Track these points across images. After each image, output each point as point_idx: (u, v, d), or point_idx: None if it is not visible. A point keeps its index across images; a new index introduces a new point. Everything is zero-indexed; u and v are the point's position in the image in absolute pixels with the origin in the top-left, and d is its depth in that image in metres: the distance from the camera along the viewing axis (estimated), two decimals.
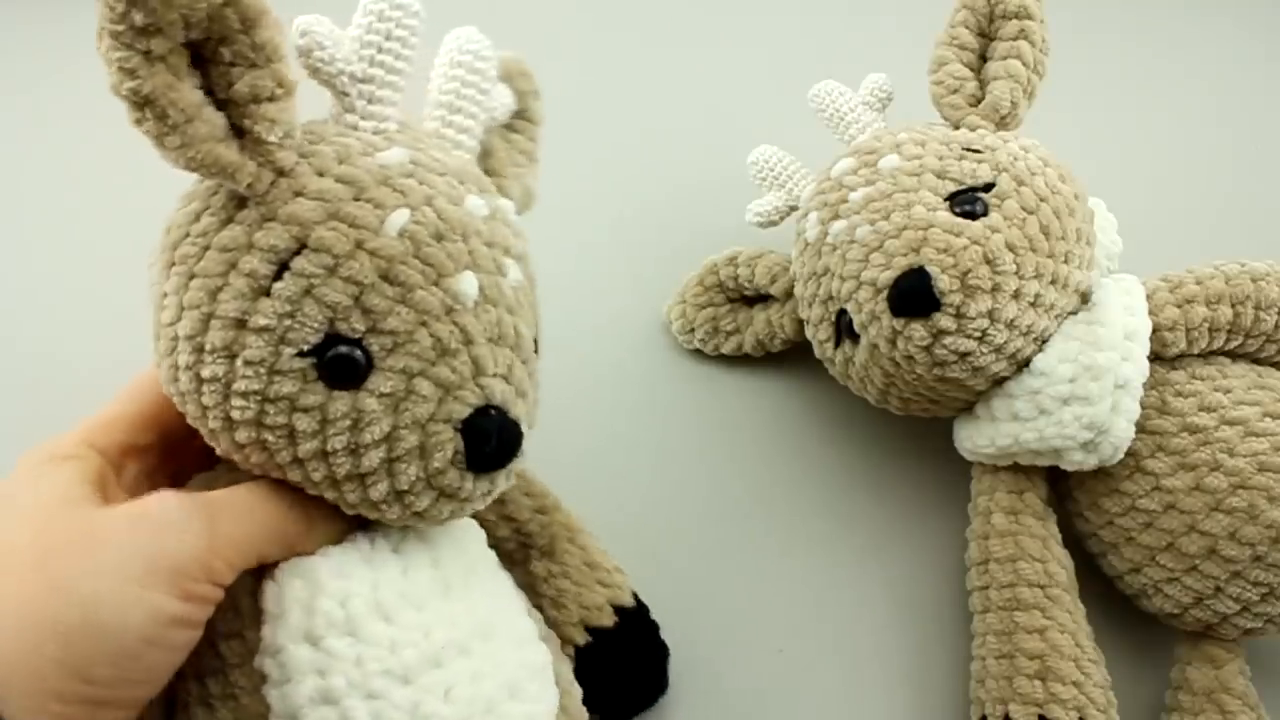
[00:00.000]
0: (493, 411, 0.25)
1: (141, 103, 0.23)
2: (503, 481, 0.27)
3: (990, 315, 0.33)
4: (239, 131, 0.24)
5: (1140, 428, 0.34)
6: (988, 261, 0.33)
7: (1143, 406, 0.34)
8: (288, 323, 0.24)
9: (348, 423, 0.24)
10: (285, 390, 0.24)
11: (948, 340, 0.34)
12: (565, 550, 0.35)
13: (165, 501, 0.24)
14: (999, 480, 0.38)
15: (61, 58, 0.54)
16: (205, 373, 0.25)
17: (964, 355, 0.34)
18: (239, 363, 0.24)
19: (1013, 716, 0.34)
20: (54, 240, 0.48)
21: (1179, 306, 0.36)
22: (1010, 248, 0.33)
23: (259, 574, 0.26)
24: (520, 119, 0.33)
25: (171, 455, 0.29)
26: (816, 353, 0.41)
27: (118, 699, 0.23)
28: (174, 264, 0.25)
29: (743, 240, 0.46)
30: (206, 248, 0.25)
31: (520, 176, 0.32)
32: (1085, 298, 0.36)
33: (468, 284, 0.25)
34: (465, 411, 0.25)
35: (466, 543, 0.29)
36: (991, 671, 0.35)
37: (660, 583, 0.36)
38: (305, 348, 0.24)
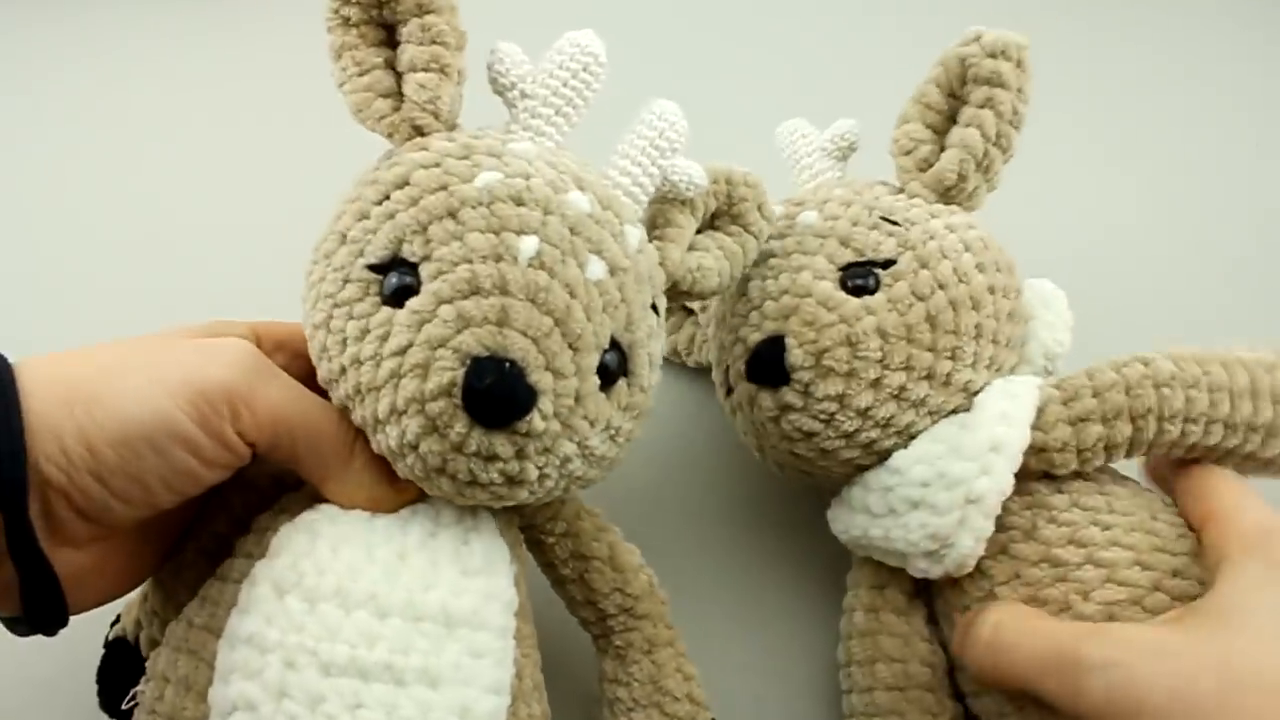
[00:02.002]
0: (508, 365, 0.25)
1: (334, 53, 0.29)
2: (505, 449, 0.26)
3: (840, 400, 0.32)
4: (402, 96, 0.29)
5: (1002, 548, 0.31)
6: (850, 344, 0.31)
7: (1011, 528, 0.31)
8: (369, 238, 0.27)
9: (381, 332, 0.26)
10: (349, 295, 0.27)
11: (792, 417, 0.33)
12: (636, 661, 0.33)
13: (241, 344, 0.27)
14: (863, 574, 0.36)
15: (62, 58, 0.54)
16: (314, 275, 0.28)
17: (809, 435, 0.33)
18: (329, 268, 0.28)
19: None
20: (53, 240, 0.49)
21: (1071, 425, 0.32)
22: (881, 333, 0.31)
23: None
24: (734, 221, 0.34)
25: None
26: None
27: (120, 490, 0.24)
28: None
29: None
30: (357, 183, 0.29)
31: (694, 254, 0.33)
32: (975, 396, 0.33)
33: (526, 243, 0.26)
34: (476, 349, 0.25)
35: (492, 588, 0.28)
36: None
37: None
38: (374, 261, 0.27)
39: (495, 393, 0.25)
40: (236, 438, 0.26)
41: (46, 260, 0.48)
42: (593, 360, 0.27)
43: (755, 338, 0.33)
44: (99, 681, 0.33)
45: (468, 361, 0.25)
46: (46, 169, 0.51)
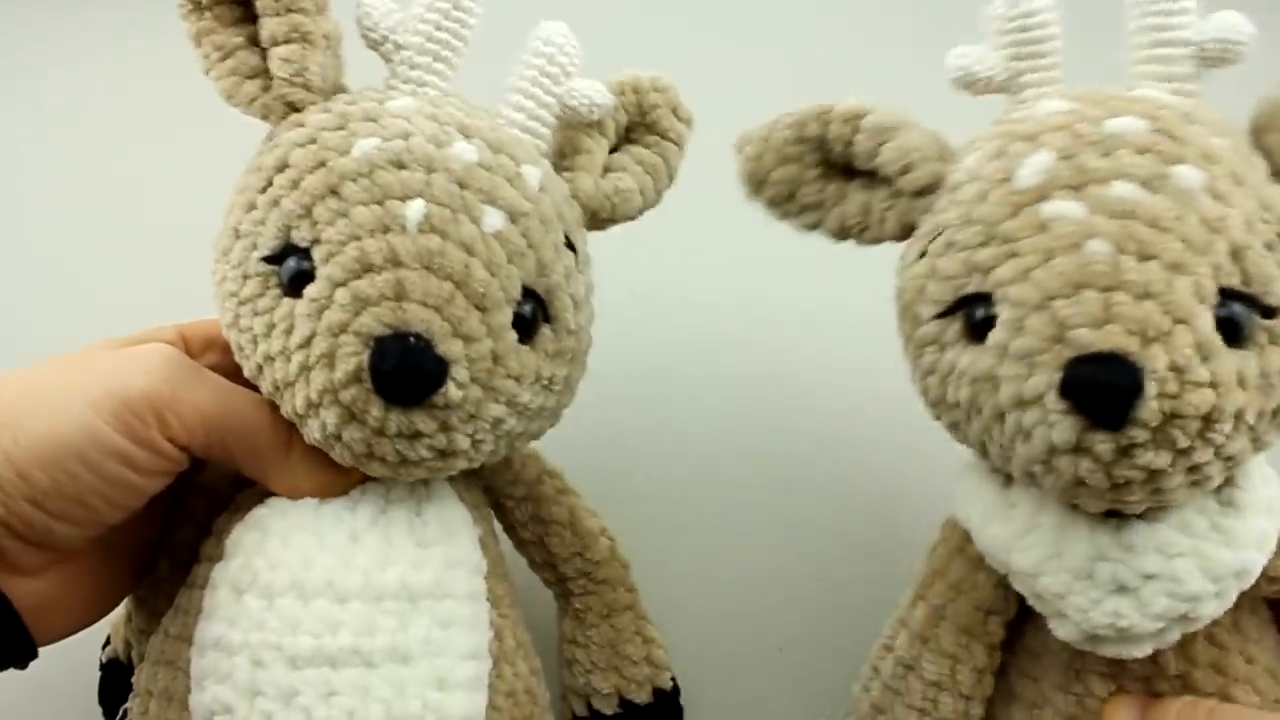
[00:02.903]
0: (412, 339, 0.24)
1: (193, 40, 0.28)
2: (427, 424, 0.25)
3: (1151, 475, 0.24)
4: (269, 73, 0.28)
5: (1149, 657, 0.27)
6: (1207, 420, 0.23)
7: None
8: (259, 229, 0.27)
9: (285, 326, 0.26)
10: (250, 292, 0.26)
11: (1084, 465, 0.23)
12: (595, 625, 0.33)
13: (160, 349, 0.27)
14: (971, 578, 0.30)
15: (61, 58, 0.54)
16: (216, 275, 0.28)
17: (1079, 483, 0.24)
18: (228, 266, 0.27)
19: None
20: (52, 240, 0.49)
21: None
22: (1238, 417, 0.23)
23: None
24: (650, 131, 0.33)
25: None
26: (898, 297, 0.28)
27: (61, 511, 0.24)
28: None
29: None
30: (244, 172, 0.29)
31: (610, 177, 0.32)
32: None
33: (413, 208, 0.25)
34: (378, 329, 0.24)
35: (453, 556, 0.28)
36: None
37: (658, 581, 0.35)
38: (267, 253, 0.26)
39: (403, 371, 0.24)
40: (167, 444, 0.25)
41: (43, 261, 0.48)
42: (505, 316, 0.26)
43: (1090, 340, 0.23)
44: (101, 704, 0.34)
45: (371, 343, 0.24)
46: (43, 169, 0.51)
